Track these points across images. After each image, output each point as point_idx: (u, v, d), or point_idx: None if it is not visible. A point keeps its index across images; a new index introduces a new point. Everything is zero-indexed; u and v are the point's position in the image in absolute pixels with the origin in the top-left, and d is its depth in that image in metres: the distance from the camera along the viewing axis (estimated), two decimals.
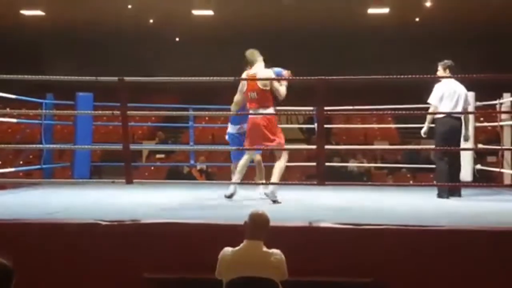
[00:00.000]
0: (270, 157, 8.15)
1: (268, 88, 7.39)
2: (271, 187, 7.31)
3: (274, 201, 7.23)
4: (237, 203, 7.38)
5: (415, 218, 5.98)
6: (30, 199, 8.03)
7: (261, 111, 7.38)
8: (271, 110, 7.43)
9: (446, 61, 8.13)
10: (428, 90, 8.03)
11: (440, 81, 8.08)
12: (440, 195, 7.92)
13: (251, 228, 4.44)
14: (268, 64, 7.58)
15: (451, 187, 7.93)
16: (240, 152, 7.85)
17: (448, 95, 7.96)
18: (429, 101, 8.03)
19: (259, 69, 7.55)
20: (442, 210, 6.92)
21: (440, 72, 8.08)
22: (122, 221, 5.65)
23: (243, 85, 7.55)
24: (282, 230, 5.29)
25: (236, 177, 7.64)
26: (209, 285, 4.53)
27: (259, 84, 7.37)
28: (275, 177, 7.34)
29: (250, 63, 7.62)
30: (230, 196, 7.52)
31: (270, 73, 7.51)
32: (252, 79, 7.41)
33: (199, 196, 8.06)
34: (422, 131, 8.20)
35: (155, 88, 21.38)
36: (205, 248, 4.99)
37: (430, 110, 8.04)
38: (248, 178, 8.25)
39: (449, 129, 7.93)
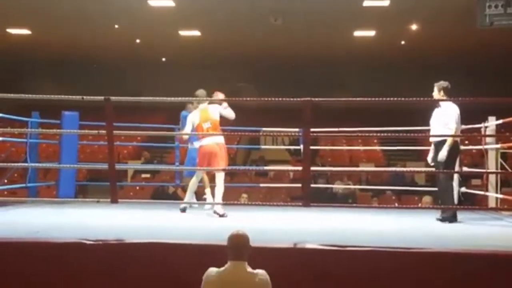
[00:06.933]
0: None
1: None
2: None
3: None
4: (222, 223, 7.37)
5: (400, 240, 5.99)
6: (15, 217, 7.97)
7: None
8: None
9: (442, 82, 7.76)
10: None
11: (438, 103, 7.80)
12: (447, 219, 7.67)
13: (233, 249, 4.42)
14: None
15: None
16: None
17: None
18: (454, 124, 7.57)
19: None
20: (427, 232, 6.92)
21: (435, 93, 7.73)
22: (107, 241, 5.63)
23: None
24: (267, 251, 5.29)
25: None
26: None
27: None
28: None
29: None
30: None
31: None
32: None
33: (184, 216, 8.05)
34: (443, 155, 7.53)
35: (141, 107, 21.39)
36: (189, 268, 4.97)
37: (455, 133, 7.59)
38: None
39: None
